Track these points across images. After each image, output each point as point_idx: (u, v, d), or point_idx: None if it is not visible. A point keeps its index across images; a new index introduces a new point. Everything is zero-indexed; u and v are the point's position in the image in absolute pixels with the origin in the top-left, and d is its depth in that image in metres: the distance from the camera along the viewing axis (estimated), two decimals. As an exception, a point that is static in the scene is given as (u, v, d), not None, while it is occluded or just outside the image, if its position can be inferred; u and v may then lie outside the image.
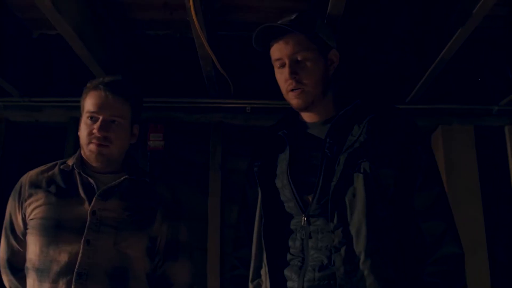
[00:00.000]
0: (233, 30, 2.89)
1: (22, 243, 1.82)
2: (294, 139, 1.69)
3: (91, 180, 1.82)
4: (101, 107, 1.80)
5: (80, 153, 1.89)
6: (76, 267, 1.68)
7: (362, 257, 1.46)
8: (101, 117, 1.79)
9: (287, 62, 1.62)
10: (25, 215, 1.80)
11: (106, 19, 2.76)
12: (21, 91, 3.14)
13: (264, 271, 1.65)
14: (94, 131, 1.79)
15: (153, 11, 2.78)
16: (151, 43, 3.07)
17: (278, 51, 1.64)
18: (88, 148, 1.81)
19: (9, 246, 1.84)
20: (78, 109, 1.93)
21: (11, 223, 1.84)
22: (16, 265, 1.83)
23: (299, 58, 1.61)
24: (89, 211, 1.75)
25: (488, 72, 3.12)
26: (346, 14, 2.24)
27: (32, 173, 1.88)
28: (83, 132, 1.83)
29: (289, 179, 1.62)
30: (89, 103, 1.82)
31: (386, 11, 2.73)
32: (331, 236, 1.51)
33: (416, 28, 2.87)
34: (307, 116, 1.72)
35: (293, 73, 1.61)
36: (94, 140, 1.79)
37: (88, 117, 1.81)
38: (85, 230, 1.72)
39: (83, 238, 1.71)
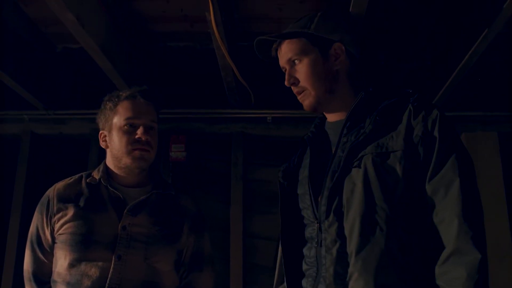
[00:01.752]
0: (253, 41, 2.89)
1: (50, 256, 1.82)
2: (316, 142, 1.64)
3: (119, 194, 1.82)
4: (141, 113, 1.82)
5: (105, 166, 1.89)
6: (107, 282, 1.68)
7: (352, 258, 1.33)
8: (142, 123, 1.81)
9: (287, 68, 1.63)
10: (53, 230, 1.80)
11: (128, 32, 2.79)
12: (45, 104, 3.21)
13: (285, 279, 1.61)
14: (138, 136, 1.79)
15: (174, 23, 2.81)
16: (172, 55, 3.10)
17: (280, 60, 1.67)
18: (131, 155, 1.79)
19: (35, 259, 1.83)
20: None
21: (38, 237, 1.83)
22: (42, 278, 1.83)
23: (295, 62, 1.61)
24: (119, 226, 1.75)
25: (511, 78, 3.07)
26: (367, 18, 2.23)
27: (59, 186, 1.87)
28: (120, 141, 1.81)
29: (309, 185, 1.54)
30: (125, 112, 1.82)
31: (407, 18, 2.71)
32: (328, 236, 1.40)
33: (438, 35, 2.85)
34: (329, 117, 1.67)
35: (289, 79, 1.61)
36: (138, 146, 1.79)
37: (126, 125, 1.81)
38: (116, 245, 1.72)
39: (114, 253, 1.71)
